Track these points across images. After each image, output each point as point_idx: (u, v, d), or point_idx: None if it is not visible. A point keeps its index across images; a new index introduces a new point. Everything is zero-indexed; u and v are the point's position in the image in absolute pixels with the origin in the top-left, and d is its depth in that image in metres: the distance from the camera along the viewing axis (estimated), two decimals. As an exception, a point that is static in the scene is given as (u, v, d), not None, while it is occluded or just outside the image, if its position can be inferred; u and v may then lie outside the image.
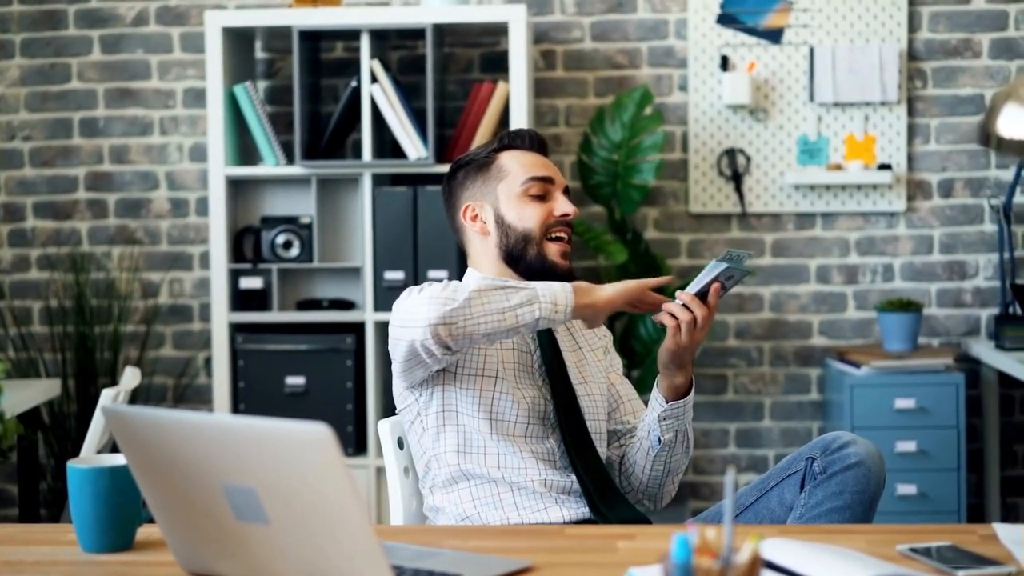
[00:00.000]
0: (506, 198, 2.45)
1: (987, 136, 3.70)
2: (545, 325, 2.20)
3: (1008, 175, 4.42)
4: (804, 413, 4.53)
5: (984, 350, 4.22)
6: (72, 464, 1.86)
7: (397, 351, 2.28)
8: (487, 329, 2.17)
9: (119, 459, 1.89)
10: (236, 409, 4.11)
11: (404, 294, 2.29)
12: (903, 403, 4.08)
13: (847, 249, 4.49)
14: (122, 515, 1.86)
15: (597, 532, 2.02)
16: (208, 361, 4.52)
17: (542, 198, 2.45)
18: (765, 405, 4.54)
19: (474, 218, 2.49)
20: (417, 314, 2.19)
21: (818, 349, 4.51)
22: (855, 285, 4.50)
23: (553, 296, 2.19)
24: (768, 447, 4.53)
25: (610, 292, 2.25)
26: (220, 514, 1.61)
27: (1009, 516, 4.49)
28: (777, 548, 1.67)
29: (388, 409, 4.25)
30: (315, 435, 1.46)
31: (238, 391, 4.13)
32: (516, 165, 2.47)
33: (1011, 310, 4.26)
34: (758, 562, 1.33)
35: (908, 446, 4.06)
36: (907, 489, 4.04)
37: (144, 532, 1.92)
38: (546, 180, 2.46)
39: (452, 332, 2.17)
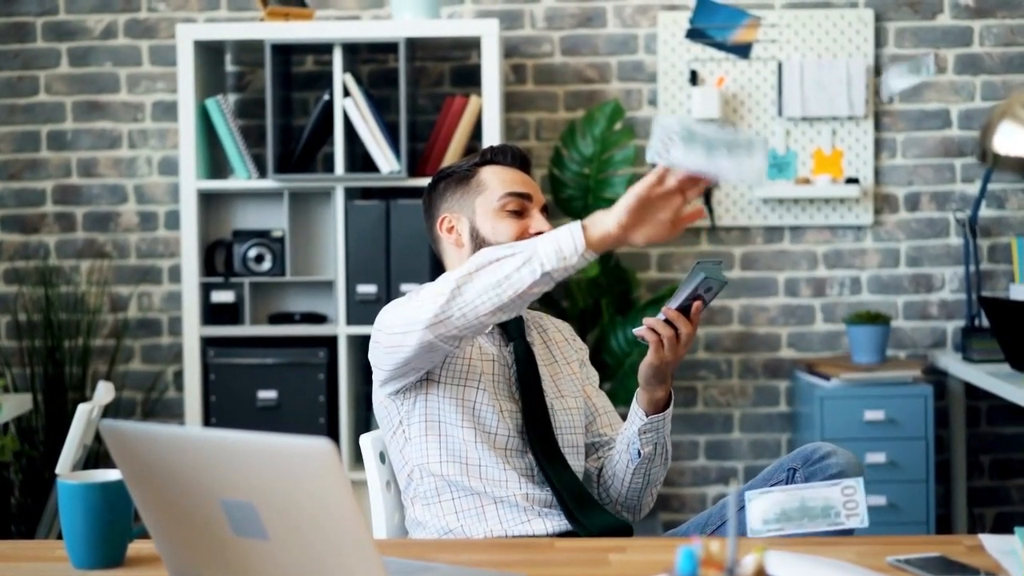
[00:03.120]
0: (483, 212, 2.46)
1: (983, 153, 3.74)
2: (564, 275, 2.07)
3: (973, 189, 4.48)
4: (773, 425, 4.56)
5: (951, 362, 4.27)
6: (63, 480, 1.85)
7: (394, 358, 2.27)
8: (490, 307, 2.11)
9: (109, 475, 1.88)
10: (208, 423, 4.09)
11: (404, 299, 2.28)
12: (872, 415, 4.11)
13: (815, 262, 4.53)
14: (113, 531, 1.85)
15: (588, 545, 2.03)
16: (178, 375, 4.50)
17: (519, 214, 2.46)
18: (734, 417, 4.57)
19: (450, 230, 2.49)
20: (413, 320, 2.19)
21: (787, 361, 4.55)
22: (823, 298, 4.54)
23: (556, 244, 2.05)
24: (737, 459, 4.56)
25: (619, 209, 2.05)
26: (218, 529, 1.60)
27: (976, 527, 4.53)
28: (779, 561, 1.69)
29: (360, 423, 4.25)
30: (317, 449, 1.46)
31: (209, 405, 4.11)
32: (495, 180, 2.48)
33: (977, 322, 4.31)
34: (763, 574, 1.34)
35: (878, 457, 4.09)
36: (876, 500, 4.07)
37: (134, 548, 1.91)
38: (524, 196, 2.47)
39: (452, 324, 2.15)
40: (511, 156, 2.52)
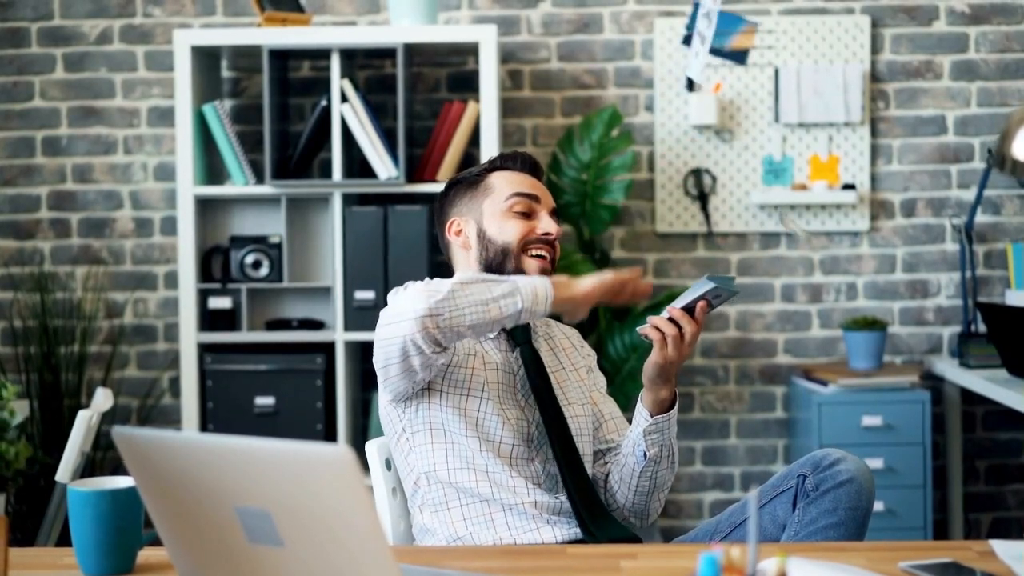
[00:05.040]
0: (490, 213, 2.49)
1: (1002, 159, 3.75)
2: (527, 318, 2.24)
3: (969, 195, 4.49)
4: (770, 431, 4.56)
5: (948, 368, 4.27)
6: (73, 487, 1.85)
7: (386, 354, 2.27)
8: (472, 320, 2.19)
9: (119, 481, 1.88)
10: (204, 430, 4.08)
11: (390, 295, 2.31)
12: (870, 420, 4.12)
13: (811, 268, 4.54)
14: (123, 538, 1.85)
15: (599, 552, 2.03)
16: (174, 381, 4.48)
17: (527, 216, 2.48)
18: (731, 423, 4.57)
19: (458, 232, 2.52)
20: (404, 311, 2.20)
21: (783, 367, 4.55)
22: (819, 304, 4.55)
23: (533, 289, 2.22)
24: (734, 465, 4.56)
25: (588, 286, 2.28)
26: (232, 537, 1.59)
27: (971, 532, 4.54)
28: (800, 567, 1.69)
29: (358, 429, 4.24)
30: (336, 457, 1.46)
31: (207, 411, 4.10)
32: (503, 183, 2.52)
33: (973, 328, 4.32)
34: (785, 580, 1.34)
35: (875, 463, 4.09)
36: (875, 506, 4.06)
37: (144, 555, 1.90)
38: (531, 197, 2.49)
39: (439, 324, 2.18)
40: (521, 162, 2.55)
